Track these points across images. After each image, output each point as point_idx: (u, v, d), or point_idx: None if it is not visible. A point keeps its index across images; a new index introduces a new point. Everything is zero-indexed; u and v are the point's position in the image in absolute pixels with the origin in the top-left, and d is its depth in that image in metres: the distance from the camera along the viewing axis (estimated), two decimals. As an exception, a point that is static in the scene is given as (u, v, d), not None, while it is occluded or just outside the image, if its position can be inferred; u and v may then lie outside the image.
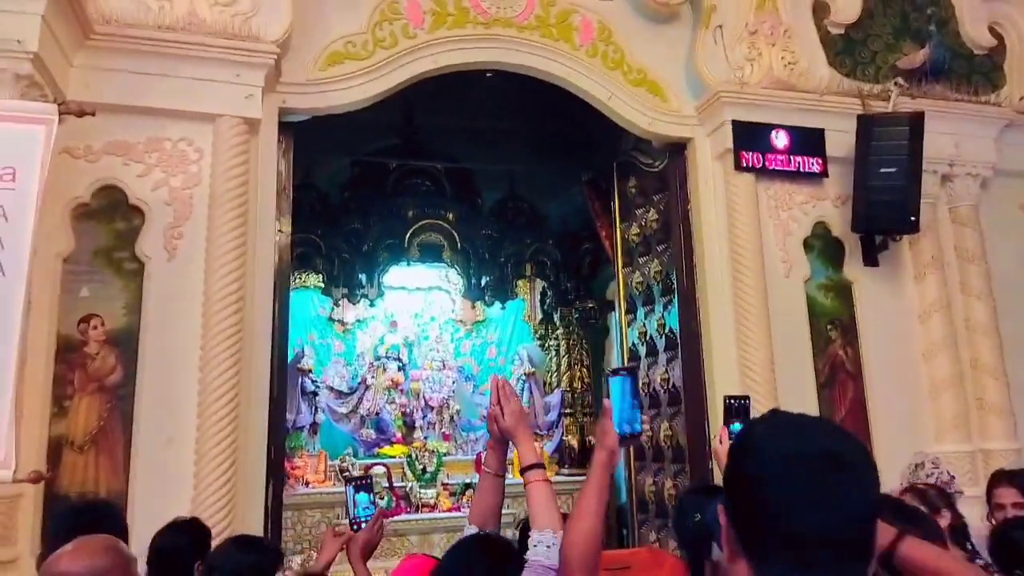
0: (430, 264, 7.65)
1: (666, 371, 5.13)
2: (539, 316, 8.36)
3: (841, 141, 4.76)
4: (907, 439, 4.49)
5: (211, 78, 3.88)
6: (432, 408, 7.67)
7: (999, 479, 2.73)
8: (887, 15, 5.27)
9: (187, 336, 3.71)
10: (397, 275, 7.73)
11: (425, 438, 7.46)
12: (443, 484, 7.13)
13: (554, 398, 7.90)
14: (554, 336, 8.12)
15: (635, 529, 5.61)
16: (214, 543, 3.44)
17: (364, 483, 2.41)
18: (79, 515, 2.33)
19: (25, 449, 3.27)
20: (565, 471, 7.59)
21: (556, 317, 8.04)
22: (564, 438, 7.75)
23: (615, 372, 1.82)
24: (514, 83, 5.00)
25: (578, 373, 7.90)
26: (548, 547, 1.72)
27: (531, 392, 7.98)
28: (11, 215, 2.89)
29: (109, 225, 3.76)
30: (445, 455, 7.35)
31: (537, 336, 8.39)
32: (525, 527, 2.46)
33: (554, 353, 8.15)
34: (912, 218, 4.42)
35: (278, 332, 4.11)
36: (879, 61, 5.16)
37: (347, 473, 2.32)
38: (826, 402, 4.58)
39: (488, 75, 4.99)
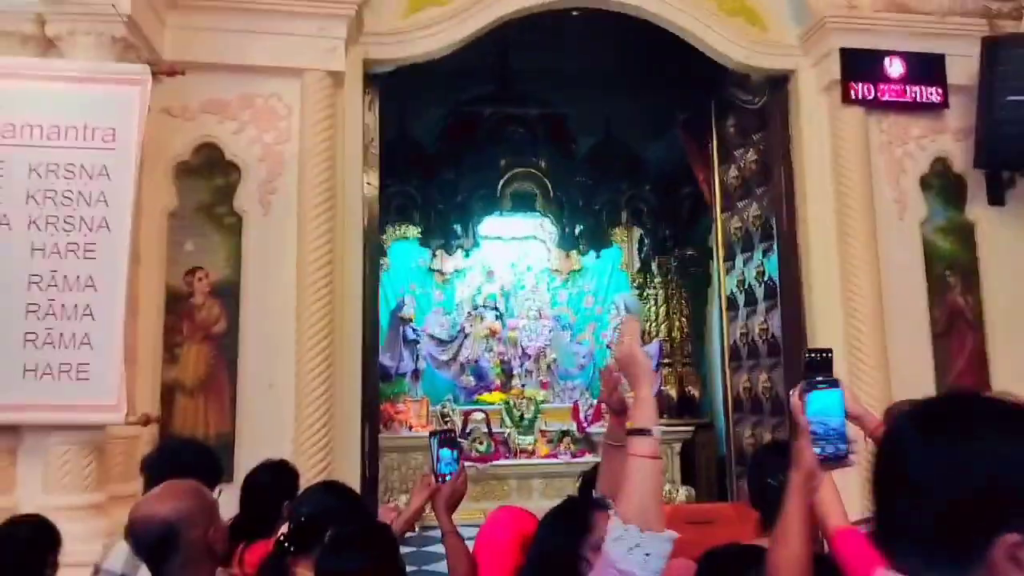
0: (524, 214, 7.61)
1: (765, 321, 4.91)
2: (637, 265, 8.20)
3: (964, 68, 4.31)
4: (1034, 393, 4.12)
5: (296, 32, 3.94)
6: (529, 356, 7.73)
7: None
8: (1026, -81, 4.68)
9: (284, 287, 3.87)
10: (492, 225, 7.75)
11: (523, 386, 7.55)
12: (540, 431, 7.22)
13: (652, 348, 7.75)
14: (652, 285, 7.95)
15: (733, 481, 5.49)
16: (312, 481, 3.70)
17: (448, 437, 2.37)
18: (175, 455, 2.48)
19: (140, 393, 3.56)
20: (664, 421, 7.49)
21: (654, 265, 7.85)
22: (663, 388, 7.64)
23: (812, 385, 1.46)
24: (608, 20, 4.81)
25: (677, 323, 7.72)
26: (629, 550, 1.31)
27: (628, 341, 7.87)
28: (113, 174, 3.06)
29: (209, 181, 3.93)
30: (542, 403, 7.42)
31: (635, 285, 8.25)
32: (588, 481, 2.35)
33: (652, 302, 7.98)
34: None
35: (369, 282, 4.21)
36: (1015, -26, 4.61)
37: (433, 427, 2.27)
38: (942, 353, 4.26)
39: (574, 13, 4.81)
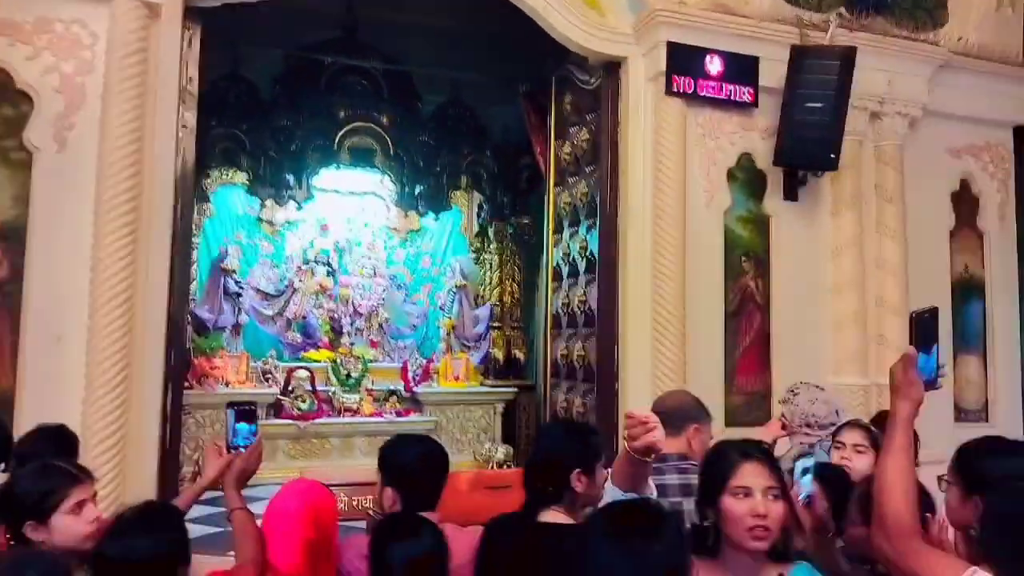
0: (362, 168, 7.43)
1: (584, 293, 5.15)
2: (476, 229, 8.28)
3: (775, 71, 4.67)
4: (805, 370, 4.62)
5: (106, -46, 3.58)
6: (360, 315, 7.64)
7: (850, 424, 2.87)
8: (837, -60, 5.10)
9: (78, 232, 3.57)
10: (330, 178, 7.51)
11: (351, 344, 7.46)
12: (367, 390, 7.20)
13: (483, 311, 7.94)
14: (488, 250, 8.07)
15: (547, 442, 5.76)
16: (105, 444, 3.48)
17: (247, 410, 2.25)
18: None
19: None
20: (489, 382, 7.72)
21: (491, 231, 7.98)
22: (491, 350, 7.84)
23: (920, 314, 1.67)
24: None
25: (509, 288, 7.92)
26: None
27: (461, 304, 7.99)
28: None
29: (-7, 110, 3.52)
30: (371, 362, 7.38)
31: (473, 249, 8.33)
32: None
33: (488, 267, 8.12)
34: (832, 155, 4.43)
35: (180, 231, 3.97)
36: (830, -11, 5.02)
37: (232, 400, 2.17)
38: (732, 332, 4.68)
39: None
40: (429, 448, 2.25)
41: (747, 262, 4.76)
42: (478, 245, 8.21)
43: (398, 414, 7.02)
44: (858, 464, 2.58)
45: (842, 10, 4.88)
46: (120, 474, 3.50)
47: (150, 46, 3.75)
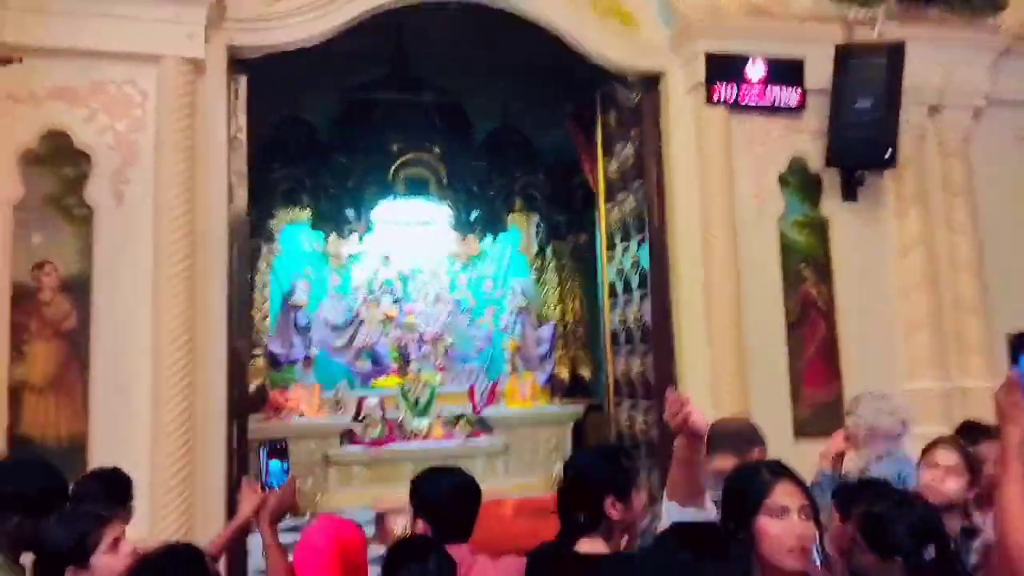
0: (418, 197, 7.58)
1: (639, 309, 5.06)
2: (535, 249, 8.29)
3: (822, 71, 4.50)
4: (878, 377, 4.39)
5: (151, 17, 3.79)
6: (426, 341, 7.75)
7: (945, 442, 2.62)
8: (884, -71, 4.88)
9: (138, 282, 3.75)
10: (388, 209, 7.68)
11: (419, 370, 7.57)
12: (436, 415, 7.28)
13: (545, 331, 7.92)
14: (548, 269, 8.07)
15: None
16: (172, 483, 3.64)
17: (278, 449, 2.31)
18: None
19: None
20: (556, 403, 7.68)
21: (549, 251, 7.97)
22: (555, 370, 7.80)
23: (1020, 335, 1.70)
24: (502, 13, 4.79)
25: (571, 306, 7.88)
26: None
27: (523, 325, 8.00)
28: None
29: (57, 171, 3.75)
30: (439, 386, 7.47)
31: (534, 269, 8.35)
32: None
33: (548, 287, 8.11)
34: (887, 154, 4.21)
35: (236, 272, 4.12)
36: (876, -19, 4.81)
37: (266, 442, 2.23)
38: (795, 341, 4.50)
39: (449, 8, 4.78)
40: (460, 480, 2.25)
41: (807, 268, 4.58)
42: (538, 265, 8.22)
43: (467, 436, 7.05)
44: (949, 487, 2.35)
45: (890, 4, 4.67)
46: (188, 511, 3.64)
47: (197, 100, 3.93)
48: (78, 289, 3.71)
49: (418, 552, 1.87)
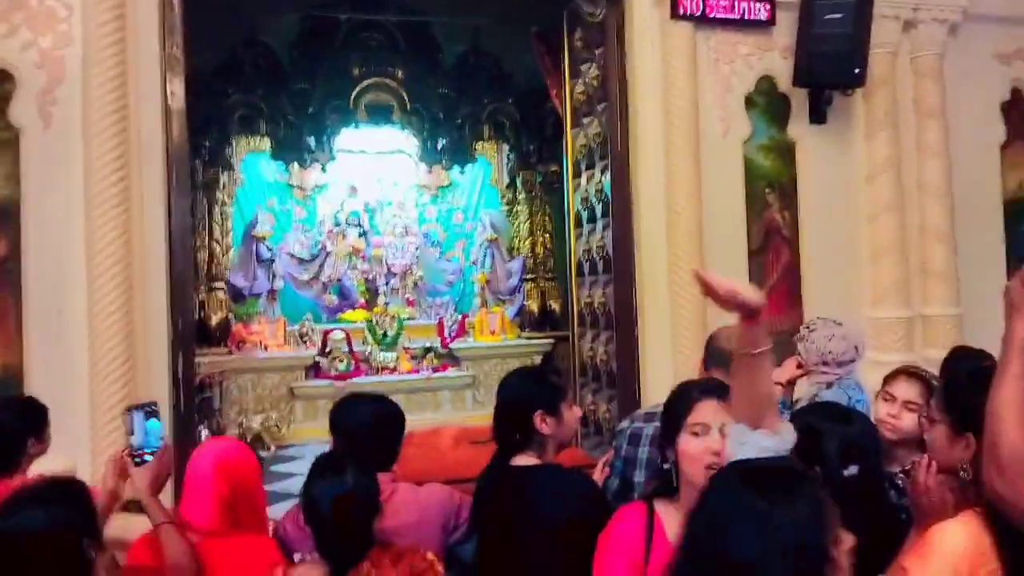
0: (382, 126, 7.33)
1: (602, 238, 4.94)
2: (506, 180, 8.09)
3: (796, -16, 4.29)
4: (840, 305, 4.32)
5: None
6: (395, 274, 7.62)
7: (906, 374, 2.50)
8: None
9: (71, 207, 3.56)
10: (354, 138, 7.44)
11: (387, 304, 7.46)
12: (404, 348, 7.21)
13: (516, 264, 7.80)
14: (519, 201, 7.89)
15: (578, 391, 5.65)
16: (111, 413, 3.54)
17: (152, 411, 2.07)
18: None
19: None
20: (525, 334, 7.62)
21: (519, 181, 7.78)
22: (525, 303, 7.72)
23: None
24: None
25: (541, 238, 7.74)
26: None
27: (493, 258, 7.87)
28: None
29: (-23, 90, 3.53)
30: (407, 320, 7.38)
31: (505, 201, 8.16)
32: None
33: (519, 218, 7.95)
34: (857, 70, 4.05)
35: (175, 199, 3.94)
36: None
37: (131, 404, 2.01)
38: (757, 267, 4.41)
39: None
40: (381, 408, 2.16)
41: (771, 194, 4.45)
42: (509, 197, 8.04)
43: (435, 370, 7.01)
44: (905, 423, 2.23)
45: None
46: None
47: (127, 13, 3.69)
48: (6, 215, 3.53)
49: (334, 468, 1.79)
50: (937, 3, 4.50)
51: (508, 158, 7.88)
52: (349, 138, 7.39)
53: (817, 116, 4.44)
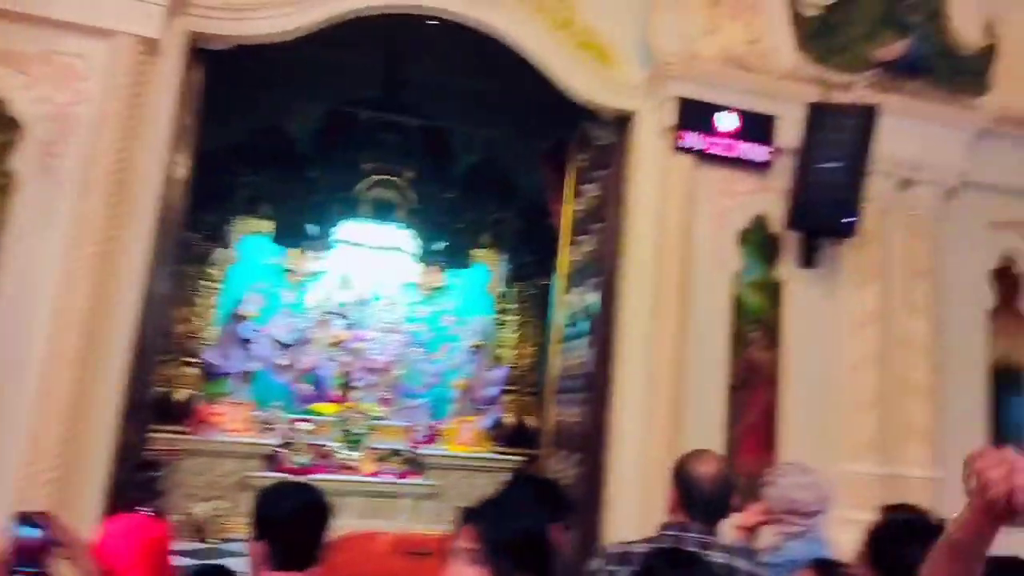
0: (385, 222, 7.41)
1: (583, 357, 4.86)
2: (501, 289, 8.10)
3: (795, 132, 4.42)
4: (814, 453, 4.18)
5: (109, -9, 3.66)
6: (373, 370, 7.48)
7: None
8: (872, 1, 4.87)
9: (50, 258, 3.52)
10: (355, 231, 7.50)
11: (359, 399, 7.28)
12: (371, 448, 6.97)
13: (498, 373, 7.68)
14: (510, 311, 7.88)
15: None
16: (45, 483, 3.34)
17: (34, 521, 1.76)
18: None
19: None
20: (498, 448, 7.40)
21: (513, 291, 7.79)
22: (502, 416, 7.54)
23: None
24: (498, 42, 4.70)
25: (527, 351, 7.66)
26: None
27: (476, 365, 7.77)
28: None
29: (-17, 134, 3.56)
30: (377, 419, 7.17)
31: (498, 310, 8.14)
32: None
33: (507, 328, 7.90)
34: (846, 220, 4.10)
35: (157, 269, 3.89)
36: (855, 49, 4.74)
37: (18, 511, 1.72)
38: (736, 405, 4.30)
39: (429, 22, 4.70)
40: (307, 498, 2.00)
41: (756, 332, 4.41)
42: (503, 306, 8.02)
43: (399, 476, 6.74)
44: None
45: (872, 71, 4.63)
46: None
47: (146, 82, 3.78)
48: (-15, 260, 3.48)
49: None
50: (937, 166, 4.63)
51: (506, 267, 7.93)
52: (350, 230, 7.46)
53: (807, 261, 4.47)
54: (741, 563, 2.18)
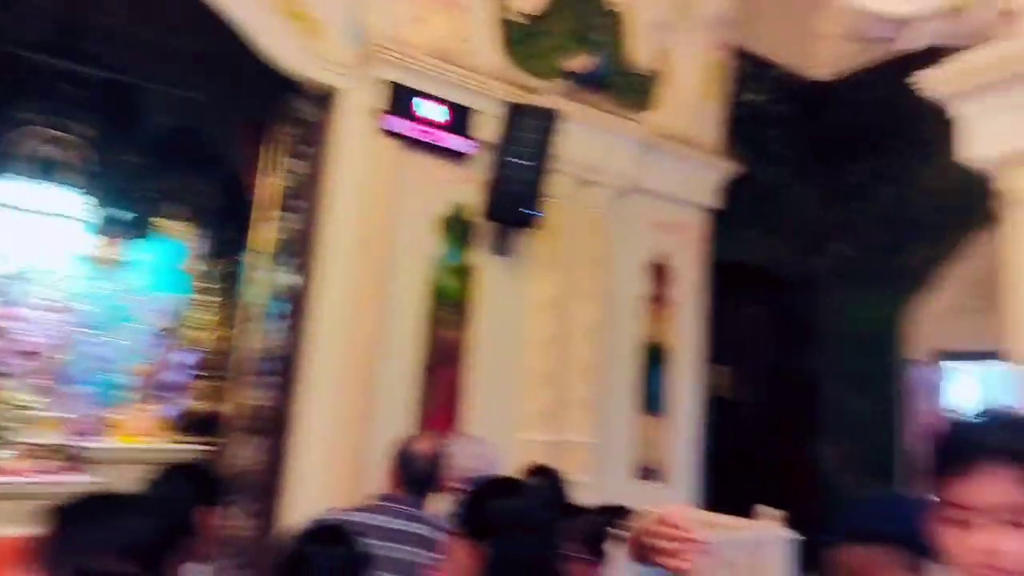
0: (53, 184, 6.42)
1: (273, 338, 4.67)
2: (199, 266, 7.44)
3: (493, 127, 4.70)
4: (496, 426, 4.51)
5: None
6: (28, 354, 6.43)
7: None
8: (568, 17, 5.32)
9: None
10: (10, 191, 6.38)
11: (10, 388, 6.22)
12: (26, 444, 5.99)
13: (186, 357, 7.08)
14: (205, 290, 7.28)
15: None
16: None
17: None
18: None
19: None
20: (180, 438, 6.81)
21: (208, 269, 7.22)
22: (192, 403, 6.97)
23: None
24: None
25: (221, 333, 7.15)
26: None
27: (162, 349, 7.07)
28: None
29: None
30: (28, 409, 6.18)
31: (198, 289, 7.46)
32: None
33: (205, 309, 7.30)
34: (527, 212, 4.47)
35: None
36: (553, 59, 5.18)
37: None
38: (426, 384, 4.46)
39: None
40: None
41: (450, 314, 4.61)
42: (197, 284, 7.37)
43: (52, 474, 5.88)
44: None
45: (564, 80, 5.07)
46: None
47: None
48: None
49: None
50: (610, 170, 5.23)
51: (206, 244, 7.30)
52: (6, 190, 6.33)
53: (498, 248, 4.77)
54: (416, 527, 2.54)
